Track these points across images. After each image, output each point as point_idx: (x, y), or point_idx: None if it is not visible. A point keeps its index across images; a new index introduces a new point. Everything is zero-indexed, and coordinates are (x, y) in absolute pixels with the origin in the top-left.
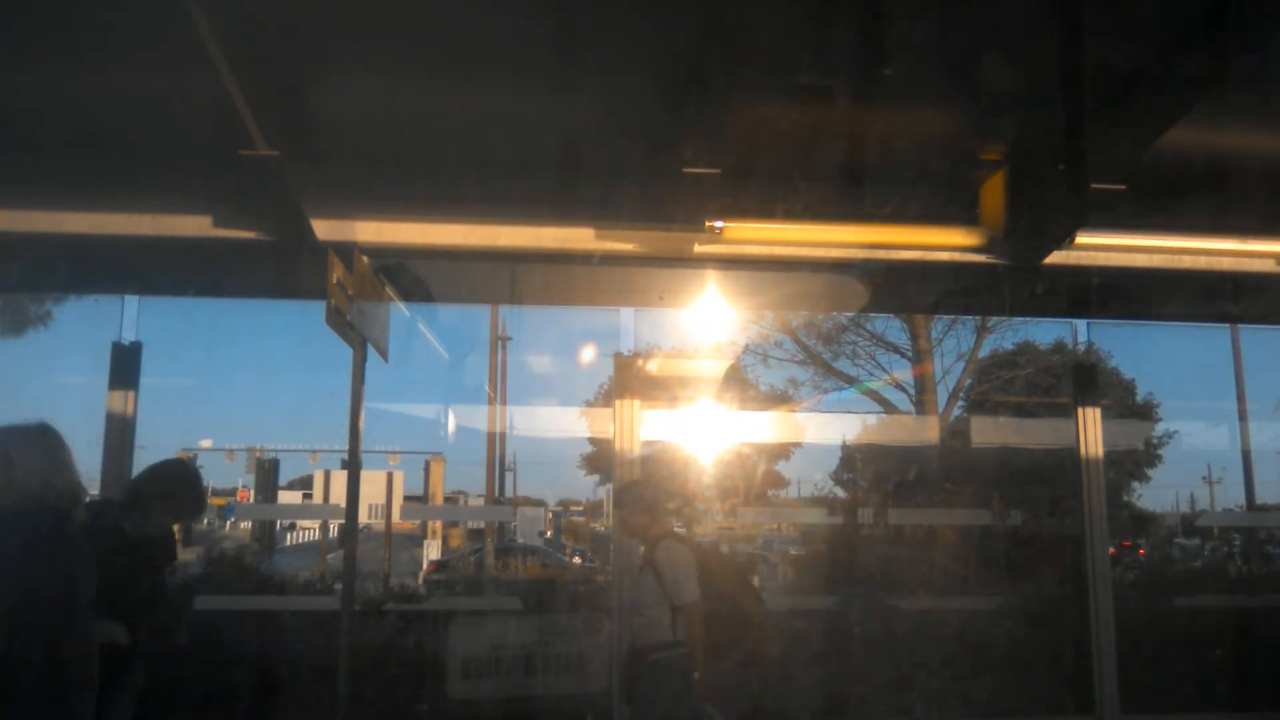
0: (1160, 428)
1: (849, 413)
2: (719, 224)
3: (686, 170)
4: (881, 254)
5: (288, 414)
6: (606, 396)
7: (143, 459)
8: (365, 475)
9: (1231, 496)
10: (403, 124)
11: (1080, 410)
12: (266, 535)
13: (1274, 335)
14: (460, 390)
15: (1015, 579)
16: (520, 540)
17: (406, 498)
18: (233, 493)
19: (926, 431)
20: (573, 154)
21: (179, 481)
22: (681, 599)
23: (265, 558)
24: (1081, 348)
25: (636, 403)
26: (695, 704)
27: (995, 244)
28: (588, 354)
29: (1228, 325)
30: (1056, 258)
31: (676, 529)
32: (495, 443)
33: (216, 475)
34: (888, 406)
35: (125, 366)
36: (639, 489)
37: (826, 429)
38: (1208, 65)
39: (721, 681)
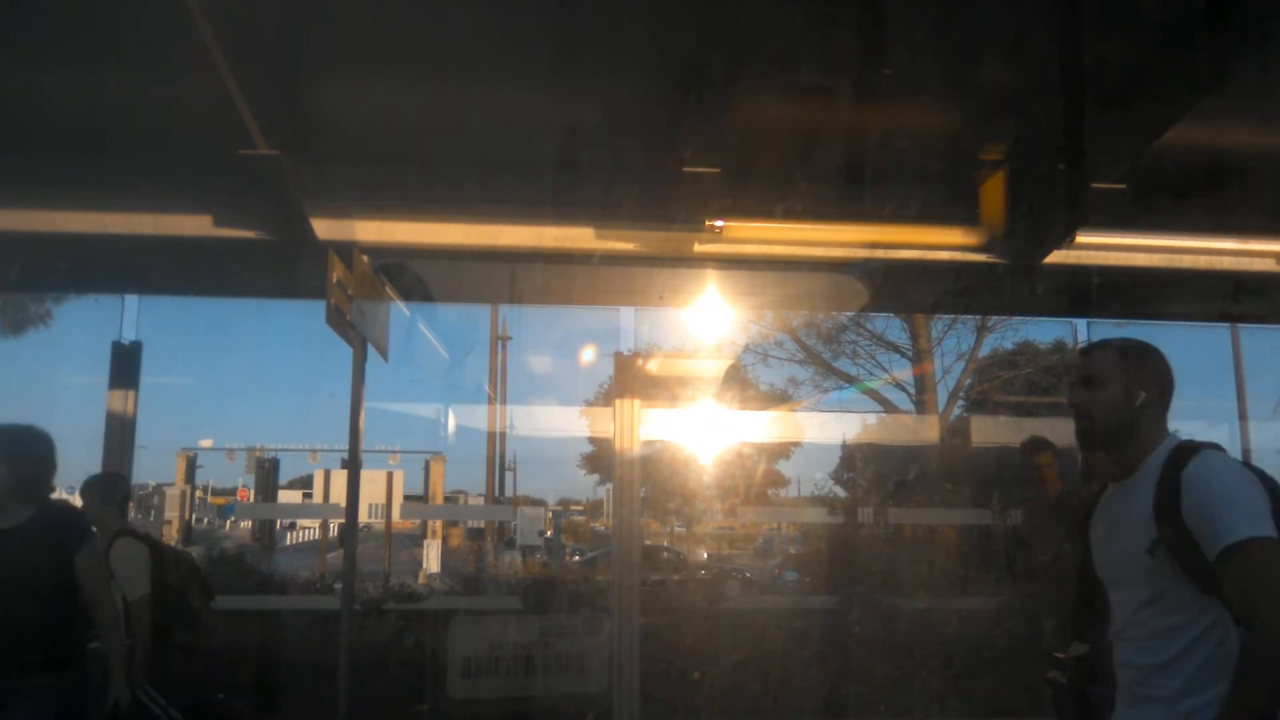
0: None
1: (849, 412)
2: (719, 224)
3: (686, 170)
4: (881, 254)
5: (288, 414)
6: (606, 396)
7: (143, 458)
8: (365, 475)
9: None
10: (403, 124)
11: None
12: (266, 535)
13: (1274, 335)
14: (460, 390)
15: (1015, 579)
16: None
17: (406, 497)
18: (233, 492)
19: (926, 431)
20: (573, 154)
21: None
22: (132, 594)
23: (265, 557)
24: (1081, 348)
25: (636, 402)
26: (139, 688)
27: (995, 244)
28: (588, 354)
29: (1228, 325)
30: (1056, 257)
31: (132, 524)
32: (495, 442)
33: (217, 475)
34: (888, 406)
35: (125, 366)
36: (98, 483)
37: (826, 428)
38: (1208, 65)
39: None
